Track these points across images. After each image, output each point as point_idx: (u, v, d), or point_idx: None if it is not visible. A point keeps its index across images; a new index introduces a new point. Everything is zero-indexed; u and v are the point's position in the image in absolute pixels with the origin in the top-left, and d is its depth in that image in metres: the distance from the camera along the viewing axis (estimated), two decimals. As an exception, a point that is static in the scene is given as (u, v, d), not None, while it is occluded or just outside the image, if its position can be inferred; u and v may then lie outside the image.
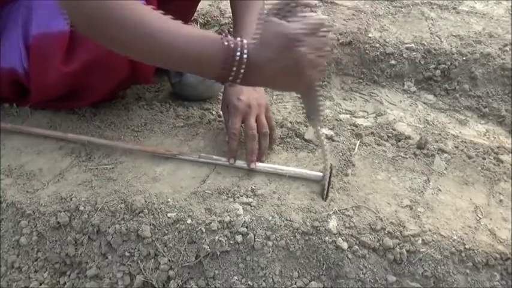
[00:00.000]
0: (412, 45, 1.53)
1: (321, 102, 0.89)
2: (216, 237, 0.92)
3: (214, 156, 1.08)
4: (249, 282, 0.91)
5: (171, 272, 0.92)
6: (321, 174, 1.03)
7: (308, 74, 0.82)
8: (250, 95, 1.09)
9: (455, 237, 0.94)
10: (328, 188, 1.01)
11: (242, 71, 0.83)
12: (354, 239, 0.93)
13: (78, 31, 0.89)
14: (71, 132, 1.14)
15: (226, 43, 0.82)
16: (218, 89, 1.31)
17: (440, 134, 1.28)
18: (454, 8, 1.76)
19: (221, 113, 1.21)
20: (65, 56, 1.05)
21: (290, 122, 1.24)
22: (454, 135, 1.29)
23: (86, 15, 0.84)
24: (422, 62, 1.51)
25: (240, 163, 1.06)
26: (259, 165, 1.05)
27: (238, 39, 0.83)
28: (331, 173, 1.02)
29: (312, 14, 0.81)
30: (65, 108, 1.20)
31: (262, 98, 1.12)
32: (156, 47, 0.84)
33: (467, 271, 0.91)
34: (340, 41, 1.55)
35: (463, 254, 0.92)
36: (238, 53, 0.82)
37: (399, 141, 1.23)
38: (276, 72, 0.82)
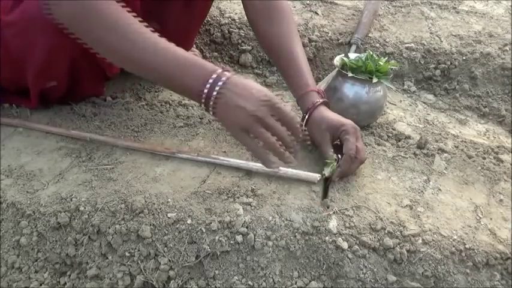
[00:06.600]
0: (412, 45, 1.54)
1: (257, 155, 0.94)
2: (216, 237, 0.92)
3: (213, 155, 1.08)
4: (249, 282, 0.91)
5: (171, 272, 0.92)
6: (318, 175, 1.03)
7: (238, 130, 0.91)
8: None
9: (455, 237, 0.94)
10: (327, 187, 1.01)
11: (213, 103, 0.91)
12: (354, 238, 0.93)
13: (66, 27, 0.95)
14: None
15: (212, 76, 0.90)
16: (376, 118, 1.28)
17: (440, 134, 1.28)
18: (454, 8, 1.76)
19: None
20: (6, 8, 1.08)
21: (290, 122, 1.24)
22: (454, 135, 1.29)
23: (77, 17, 0.92)
24: (422, 62, 1.51)
25: (239, 162, 1.06)
26: (257, 166, 1.05)
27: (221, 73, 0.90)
28: (330, 178, 1.03)
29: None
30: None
31: None
32: (145, 59, 0.91)
33: (468, 271, 0.91)
34: (340, 41, 1.55)
35: (463, 254, 0.92)
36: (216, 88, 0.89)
37: (399, 141, 1.23)
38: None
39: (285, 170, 1.04)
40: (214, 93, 0.89)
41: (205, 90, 0.89)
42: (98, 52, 0.95)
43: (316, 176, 1.03)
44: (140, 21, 0.93)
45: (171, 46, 0.92)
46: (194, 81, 0.90)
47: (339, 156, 1.05)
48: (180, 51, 0.92)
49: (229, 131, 0.94)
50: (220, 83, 0.89)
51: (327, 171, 1.04)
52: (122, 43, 0.91)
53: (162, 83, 0.97)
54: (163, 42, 0.92)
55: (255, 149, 0.93)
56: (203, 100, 0.90)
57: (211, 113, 0.92)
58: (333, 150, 1.07)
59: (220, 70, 0.91)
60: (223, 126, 0.95)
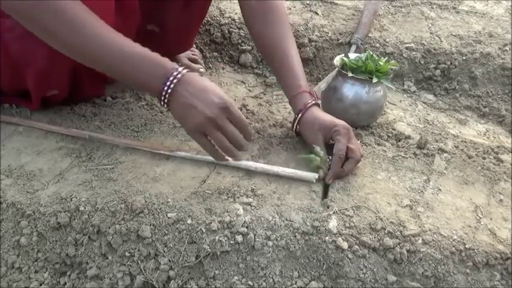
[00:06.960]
0: (412, 45, 1.54)
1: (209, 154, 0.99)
2: (216, 237, 0.92)
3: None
4: (249, 282, 0.91)
5: (171, 272, 0.92)
6: (315, 175, 1.03)
7: (194, 127, 0.94)
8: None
9: (455, 237, 0.94)
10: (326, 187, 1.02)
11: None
12: (354, 238, 0.93)
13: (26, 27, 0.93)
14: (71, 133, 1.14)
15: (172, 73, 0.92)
16: (376, 118, 1.28)
17: (440, 134, 1.28)
18: (454, 8, 1.76)
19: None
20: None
21: (290, 122, 1.24)
22: (454, 135, 1.29)
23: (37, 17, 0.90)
24: (422, 62, 1.51)
25: (239, 163, 1.06)
26: (255, 166, 1.05)
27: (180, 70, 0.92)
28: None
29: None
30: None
31: None
32: (103, 55, 0.92)
33: (468, 271, 0.91)
34: (340, 41, 1.55)
35: (463, 254, 0.92)
36: (172, 82, 0.92)
37: (399, 141, 1.23)
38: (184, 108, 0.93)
39: (283, 169, 1.04)
40: (169, 89, 0.92)
41: (165, 88, 0.92)
42: (52, 45, 0.95)
43: (314, 175, 1.03)
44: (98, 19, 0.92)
45: (127, 41, 0.93)
46: (152, 78, 0.92)
47: (330, 157, 1.06)
48: (137, 47, 0.93)
49: (185, 130, 0.97)
50: (174, 80, 0.91)
51: (318, 173, 1.04)
52: (77, 39, 0.91)
53: (121, 79, 0.98)
54: (118, 36, 0.93)
55: (207, 147, 0.97)
56: (162, 97, 0.93)
57: (166, 109, 0.95)
58: (325, 150, 1.07)
59: (176, 67, 0.92)
60: (180, 124, 0.98)
